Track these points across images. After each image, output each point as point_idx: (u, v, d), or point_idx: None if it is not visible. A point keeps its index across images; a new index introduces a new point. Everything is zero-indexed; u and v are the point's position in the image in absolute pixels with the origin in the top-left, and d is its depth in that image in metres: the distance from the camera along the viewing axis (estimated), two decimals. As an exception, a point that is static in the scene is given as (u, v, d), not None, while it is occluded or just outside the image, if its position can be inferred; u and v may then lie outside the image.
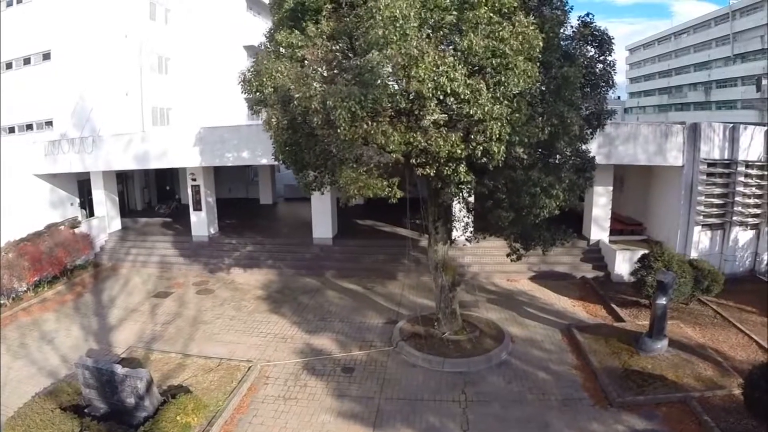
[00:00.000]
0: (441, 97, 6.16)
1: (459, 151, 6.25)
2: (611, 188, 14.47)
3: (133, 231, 18.02)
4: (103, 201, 17.06)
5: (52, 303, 12.82)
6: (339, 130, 6.24)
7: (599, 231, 14.60)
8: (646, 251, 11.60)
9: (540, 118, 6.52)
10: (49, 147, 15.97)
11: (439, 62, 5.83)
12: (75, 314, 12.08)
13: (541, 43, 6.13)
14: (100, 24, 18.34)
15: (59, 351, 10.03)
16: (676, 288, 10.12)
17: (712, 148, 13.06)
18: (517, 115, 6.26)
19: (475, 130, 6.14)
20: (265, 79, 7.65)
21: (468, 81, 6.03)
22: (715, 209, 13.41)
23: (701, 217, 13.30)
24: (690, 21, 48.13)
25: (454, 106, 6.22)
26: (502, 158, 6.39)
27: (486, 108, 5.96)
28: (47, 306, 12.62)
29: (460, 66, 5.95)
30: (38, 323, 11.53)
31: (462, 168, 6.57)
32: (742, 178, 13.28)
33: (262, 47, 9.21)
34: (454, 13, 6.24)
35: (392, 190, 7.28)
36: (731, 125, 13.38)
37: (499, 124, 6.02)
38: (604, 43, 8.15)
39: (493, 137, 6.03)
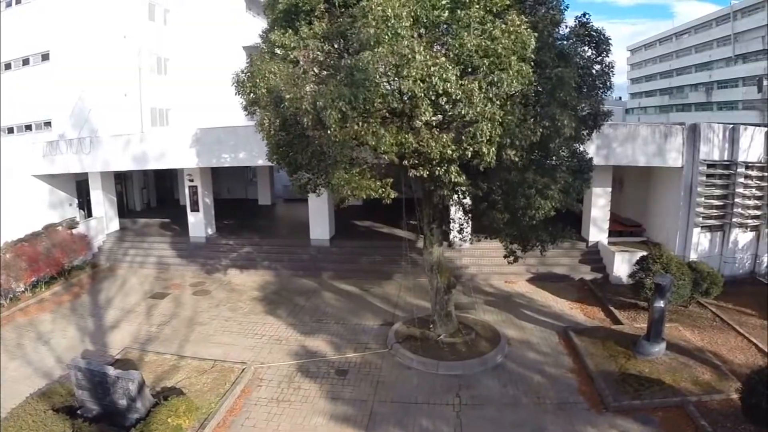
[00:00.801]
0: (433, 98, 6.11)
1: (450, 152, 6.20)
2: (610, 189, 14.39)
3: (131, 232, 18.03)
4: (102, 201, 17.07)
5: (50, 303, 12.83)
6: (329, 131, 6.20)
7: (598, 232, 14.52)
8: (645, 253, 11.51)
9: (531, 120, 6.46)
10: (48, 148, 16.00)
11: (430, 62, 5.79)
12: (72, 315, 12.08)
13: (534, 42, 6.07)
14: (99, 25, 18.37)
15: (55, 352, 10.02)
16: (675, 290, 10.03)
17: (712, 149, 12.97)
18: (510, 117, 6.20)
19: (466, 132, 6.08)
20: (258, 81, 7.63)
21: (460, 81, 5.99)
22: (714, 211, 13.30)
23: (701, 219, 13.21)
24: (691, 21, 47.93)
25: (446, 107, 6.17)
26: (493, 160, 6.34)
27: (478, 108, 5.90)
28: (44, 306, 12.62)
29: (452, 66, 5.90)
30: (35, 324, 11.53)
31: (454, 169, 6.52)
32: (741, 180, 13.18)
33: (257, 48, 9.17)
34: (447, 12, 6.18)
35: (386, 191, 7.23)
36: (731, 126, 13.29)
37: (490, 125, 5.97)
38: (601, 43, 8.06)
39: (484, 139, 5.98)
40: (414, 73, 5.82)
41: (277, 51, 7.96)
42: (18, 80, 20.05)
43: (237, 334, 10.69)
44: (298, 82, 6.76)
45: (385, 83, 6.37)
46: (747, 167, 13.18)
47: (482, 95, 6.00)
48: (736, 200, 13.23)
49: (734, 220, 13.28)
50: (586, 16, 8.07)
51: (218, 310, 12.10)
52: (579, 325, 10.66)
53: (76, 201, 18.00)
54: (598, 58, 8.14)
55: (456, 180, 6.61)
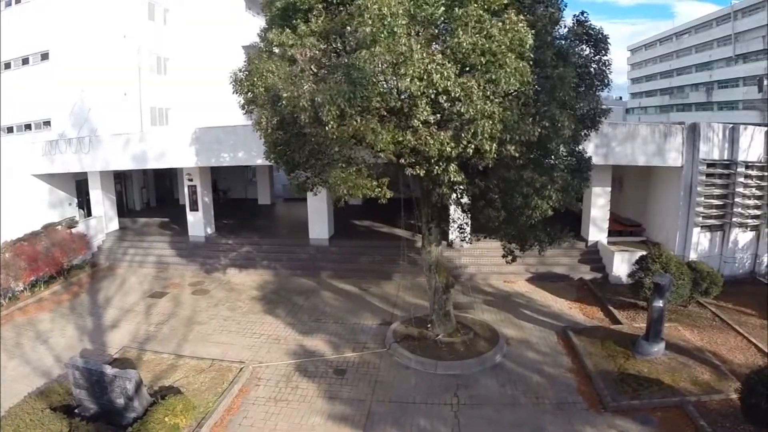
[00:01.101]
0: (432, 96, 6.10)
1: (449, 150, 6.19)
2: (609, 189, 14.37)
3: (131, 231, 18.02)
4: (101, 201, 17.07)
5: (49, 303, 12.82)
6: (327, 128, 6.19)
7: (597, 232, 14.50)
8: (645, 253, 11.48)
9: (531, 119, 6.44)
10: (47, 147, 16.00)
11: (427, 60, 5.77)
12: (71, 314, 12.08)
13: (532, 40, 6.05)
14: (99, 24, 18.38)
15: (54, 351, 10.01)
16: (674, 290, 10.01)
17: (712, 148, 12.94)
18: (509, 113, 6.18)
19: (466, 129, 6.06)
20: (256, 79, 7.62)
21: (459, 80, 5.97)
22: (714, 210, 13.27)
23: (700, 219, 13.18)
24: (691, 21, 47.89)
25: (445, 105, 6.15)
26: (495, 157, 6.32)
27: (478, 106, 5.89)
28: (43, 306, 12.62)
29: (450, 64, 5.88)
30: (34, 323, 11.53)
31: (452, 167, 6.50)
32: (741, 179, 13.14)
33: (256, 47, 9.15)
34: (442, 9, 6.16)
35: (382, 191, 7.21)
36: (731, 125, 13.26)
37: (491, 122, 5.95)
38: (599, 42, 8.05)
39: (485, 135, 5.96)
40: (411, 71, 5.80)
41: (275, 49, 7.95)
42: (18, 80, 20.06)
43: (235, 334, 10.67)
44: (295, 81, 6.74)
45: (382, 81, 6.35)
46: (747, 167, 13.14)
47: (480, 93, 5.98)
48: (736, 200, 13.20)
49: (734, 219, 13.25)
50: (584, 15, 8.06)
51: (217, 310, 12.09)
52: (578, 325, 10.63)
53: (76, 200, 18.01)
54: (596, 57, 8.12)
55: (455, 179, 6.59)
